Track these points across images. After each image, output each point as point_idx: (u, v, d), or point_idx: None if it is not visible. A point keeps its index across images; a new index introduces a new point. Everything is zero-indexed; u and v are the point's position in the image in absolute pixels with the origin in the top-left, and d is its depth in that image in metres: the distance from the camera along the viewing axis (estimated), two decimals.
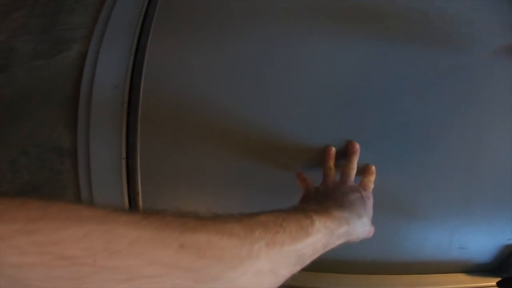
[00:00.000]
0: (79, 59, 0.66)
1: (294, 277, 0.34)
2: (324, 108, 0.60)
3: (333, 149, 0.60)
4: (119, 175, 0.58)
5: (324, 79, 0.60)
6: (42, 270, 0.18)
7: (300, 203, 0.53)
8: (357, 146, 0.59)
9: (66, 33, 0.72)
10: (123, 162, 0.58)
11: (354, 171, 0.58)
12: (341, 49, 0.61)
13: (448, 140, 0.62)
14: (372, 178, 0.59)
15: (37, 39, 0.74)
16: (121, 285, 0.20)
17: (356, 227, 0.45)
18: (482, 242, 0.66)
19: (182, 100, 0.57)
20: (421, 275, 0.64)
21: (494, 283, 0.62)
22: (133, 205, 0.61)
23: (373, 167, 0.60)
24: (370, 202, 0.53)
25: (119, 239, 0.21)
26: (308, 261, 0.34)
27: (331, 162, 0.59)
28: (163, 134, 0.58)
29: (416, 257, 0.65)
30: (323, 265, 0.64)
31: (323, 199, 0.50)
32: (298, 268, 0.33)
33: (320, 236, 0.36)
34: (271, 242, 0.28)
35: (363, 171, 0.59)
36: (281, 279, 0.30)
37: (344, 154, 0.60)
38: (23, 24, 0.77)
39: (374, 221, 0.51)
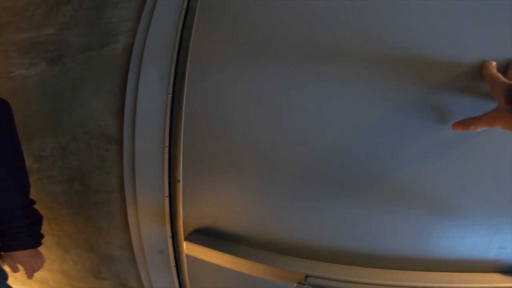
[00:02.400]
0: (125, 51, 0.73)
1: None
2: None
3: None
4: (161, 162, 0.64)
5: None
6: None
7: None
8: None
9: (112, 26, 0.80)
10: (166, 150, 0.64)
11: None
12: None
13: (492, 138, 0.62)
14: None
15: (86, 32, 0.82)
16: None
17: None
18: None
19: (225, 92, 0.62)
20: (456, 273, 0.65)
21: None
22: (172, 192, 0.67)
23: None
24: None
25: None
26: None
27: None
28: (205, 125, 0.63)
29: (453, 254, 0.66)
30: (358, 259, 0.66)
31: None
32: None
33: None
34: None
35: None
36: None
37: None
38: (72, 18, 0.86)
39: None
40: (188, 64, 0.64)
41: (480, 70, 0.57)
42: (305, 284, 0.64)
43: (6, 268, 0.75)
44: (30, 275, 0.76)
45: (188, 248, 0.69)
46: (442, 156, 0.62)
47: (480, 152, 0.62)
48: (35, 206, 0.73)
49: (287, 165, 0.65)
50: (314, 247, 0.68)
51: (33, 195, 0.73)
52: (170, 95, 0.64)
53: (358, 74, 0.59)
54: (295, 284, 0.65)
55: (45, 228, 0.80)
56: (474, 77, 0.57)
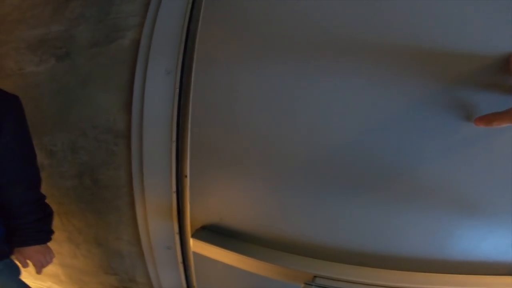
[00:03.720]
0: (133, 46, 0.75)
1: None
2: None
3: None
4: (168, 157, 0.66)
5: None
6: None
7: None
8: None
9: (119, 21, 0.82)
10: (173, 144, 0.65)
11: None
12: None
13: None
14: None
15: (93, 28, 0.85)
16: None
17: None
18: None
19: (232, 86, 0.63)
20: (474, 275, 0.64)
21: None
22: (180, 187, 0.68)
23: None
24: None
25: None
26: None
27: None
28: (213, 119, 0.64)
29: (471, 256, 0.65)
30: (369, 260, 0.66)
31: None
32: None
33: None
34: None
35: None
36: None
37: None
38: (80, 14, 0.89)
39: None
40: (195, 58, 0.65)
41: (505, 63, 0.55)
42: (312, 285, 0.64)
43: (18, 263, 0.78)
44: (39, 270, 0.78)
45: (194, 245, 0.71)
46: (462, 153, 0.61)
47: (503, 149, 0.60)
48: (46, 201, 0.76)
49: (296, 161, 0.65)
50: (322, 246, 0.68)
51: (44, 190, 0.76)
52: (177, 89, 0.66)
53: (373, 68, 0.59)
54: (302, 285, 0.65)
55: (56, 223, 0.83)
56: (498, 71, 0.56)
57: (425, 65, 0.58)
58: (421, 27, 0.56)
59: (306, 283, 0.64)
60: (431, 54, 0.56)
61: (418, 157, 0.61)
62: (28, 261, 0.76)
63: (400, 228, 0.64)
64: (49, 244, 0.77)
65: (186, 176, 0.65)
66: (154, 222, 0.76)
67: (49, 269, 0.88)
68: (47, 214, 0.75)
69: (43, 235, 0.75)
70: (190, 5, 0.75)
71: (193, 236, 0.70)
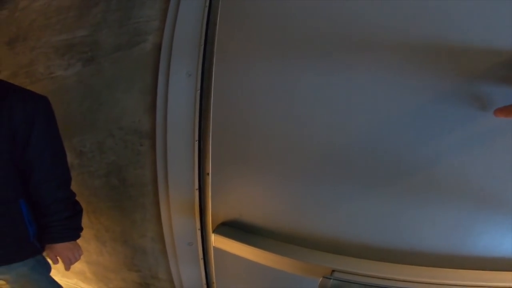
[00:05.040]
0: (154, 50, 0.81)
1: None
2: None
3: None
4: (191, 156, 0.71)
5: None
6: None
7: None
8: None
9: (141, 26, 0.88)
10: (196, 144, 0.71)
11: None
12: None
13: None
14: None
15: (116, 32, 0.91)
16: None
17: None
18: None
19: (251, 86, 0.68)
20: (495, 271, 0.64)
21: None
22: (202, 185, 0.74)
23: None
24: None
25: None
26: None
27: None
28: (233, 119, 0.69)
29: (493, 253, 0.65)
30: (387, 254, 0.69)
31: None
32: None
33: None
34: None
35: None
36: None
37: None
38: (102, 19, 0.96)
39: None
40: (214, 60, 0.70)
41: None
42: (331, 279, 0.66)
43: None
44: (67, 267, 0.82)
45: (215, 241, 0.75)
46: (484, 147, 0.61)
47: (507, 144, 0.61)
48: (76, 199, 0.81)
49: (314, 158, 0.68)
50: (341, 241, 0.70)
51: (74, 189, 0.81)
52: (199, 91, 0.71)
53: (392, 62, 0.61)
54: (321, 278, 0.67)
55: (84, 222, 0.89)
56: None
57: (442, 59, 0.60)
58: (434, 22, 0.58)
59: (324, 277, 0.67)
60: (446, 48, 0.58)
61: (436, 151, 0.62)
62: (58, 258, 0.80)
63: (419, 223, 0.66)
64: (78, 241, 0.81)
65: (208, 174, 0.70)
66: (177, 218, 0.82)
67: (76, 266, 0.93)
68: (77, 212, 0.80)
69: (72, 232, 0.79)
70: (207, 9, 0.80)
71: (214, 231, 0.75)
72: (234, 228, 0.77)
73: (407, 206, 0.65)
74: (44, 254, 0.83)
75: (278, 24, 0.68)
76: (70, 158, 0.88)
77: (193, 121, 0.71)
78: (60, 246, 0.79)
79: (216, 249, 0.79)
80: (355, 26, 0.62)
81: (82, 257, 0.84)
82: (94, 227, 0.98)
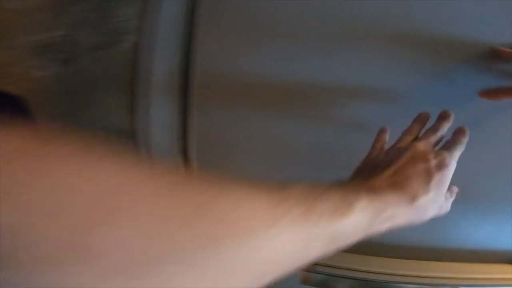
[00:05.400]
0: (135, 49, 0.81)
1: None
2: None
3: (426, 114, 0.55)
4: (174, 155, 0.72)
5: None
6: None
7: (352, 173, 0.51)
8: (452, 115, 0.53)
9: (120, 25, 0.88)
10: (177, 142, 0.72)
11: (435, 136, 0.51)
12: None
13: (507, 124, 0.64)
14: (462, 139, 0.50)
15: (94, 32, 0.91)
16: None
17: (404, 212, 0.41)
18: None
19: (235, 83, 0.69)
20: (470, 263, 0.69)
21: None
22: None
23: (466, 130, 0.51)
24: (440, 175, 0.44)
25: (140, 186, 0.22)
26: (346, 241, 0.34)
27: (416, 128, 0.53)
28: (217, 117, 0.70)
29: (467, 244, 0.69)
30: (367, 247, 0.71)
31: (380, 170, 0.44)
32: (334, 246, 0.32)
33: (363, 216, 0.35)
34: (308, 212, 0.29)
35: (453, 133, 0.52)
36: (313, 253, 0.30)
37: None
38: (80, 18, 0.95)
39: None
40: (196, 57, 0.71)
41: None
42: (312, 272, 0.68)
43: None
44: None
45: None
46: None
47: (494, 138, 0.64)
48: None
49: (305, 153, 0.70)
50: None
51: None
52: (181, 89, 0.72)
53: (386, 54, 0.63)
54: (301, 272, 0.68)
55: None
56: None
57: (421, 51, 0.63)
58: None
59: (305, 271, 0.68)
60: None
61: None
62: None
63: None
64: None
65: None
66: None
67: None
68: None
69: None
70: (190, 4, 0.80)
71: None
72: None
73: None
74: None
75: (263, 20, 0.69)
76: None
77: (176, 119, 0.72)
78: None
79: None
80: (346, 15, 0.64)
81: None
82: None
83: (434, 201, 0.44)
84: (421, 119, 0.55)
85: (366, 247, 0.71)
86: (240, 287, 0.24)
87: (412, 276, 0.68)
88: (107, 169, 0.21)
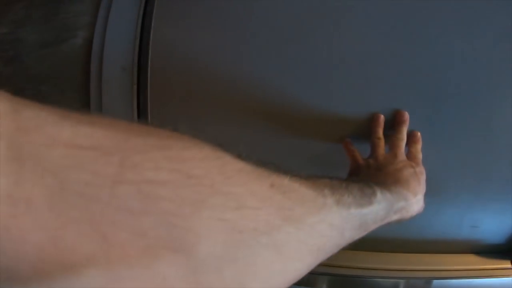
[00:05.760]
0: (86, 45, 0.77)
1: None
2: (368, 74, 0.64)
3: (382, 117, 0.61)
4: None
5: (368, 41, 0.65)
6: (171, 189, 0.19)
7: (349, 177, 0.57)
8: (407, 115, 0.60)
9: (70, 21, 0.83)
10: None
11: (403, 142, 0.60)
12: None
13: (461, 114, 0.65)
14: (419, 146, 0.61)
15: (41, 29, 0.85)
16: (230, 213, 0.21)
17: (412, 204, 0.49)
18: (495, 222, 0.69)
19: (191, 79, 0.67)
20: (429, 254, 0.69)
21: (506, 265, 0.66)
22: None
23: (419, 134, 0.61)
24: (423, 177, 0.56)
25: (229, 165, 0.23)
26: (370, 228, 0.38)
27: (380, 132, 0.60)
28: (173, 114, 0.68)
29: (425, 235, 0.69)
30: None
31: (375, 172, 0.53)
32: (361, 233, 0.36)
33: (381, 207, 0.40)
34: (340, 201, 0.32)
35: (408, 139, 0.61)
36: (345, 241, 0.33)
37: (390, 124, 0.62)
38: (25, 15, 0.89)
39: None
40: (150, 53, 0.68)
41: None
42: None
43: None
44: None
45: None
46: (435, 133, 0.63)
47: (448, 128, 0.65)
48: None
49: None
50: None
51: None
52: (135, 85, 0.69)
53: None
54: None
55: None
56: None
57: None
58: None
59: None
60: None
61: None
62: None
63: None
64: None
65: None
66: None
67: None
68: None
69: None
70: (144, 0, 0.78)
71: None
72: None
73: None
74: None
75: (219, 13, 0.68)
76: None
77: (131, 117, 0.68)
78: None
79: None
80: None
81: None
82: None
83: (423, 197, 0.54)
84: (380, 122, 0.62)
85: None
86: (300, 268, 0.27)
87: (388, 269, 0.68)
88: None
